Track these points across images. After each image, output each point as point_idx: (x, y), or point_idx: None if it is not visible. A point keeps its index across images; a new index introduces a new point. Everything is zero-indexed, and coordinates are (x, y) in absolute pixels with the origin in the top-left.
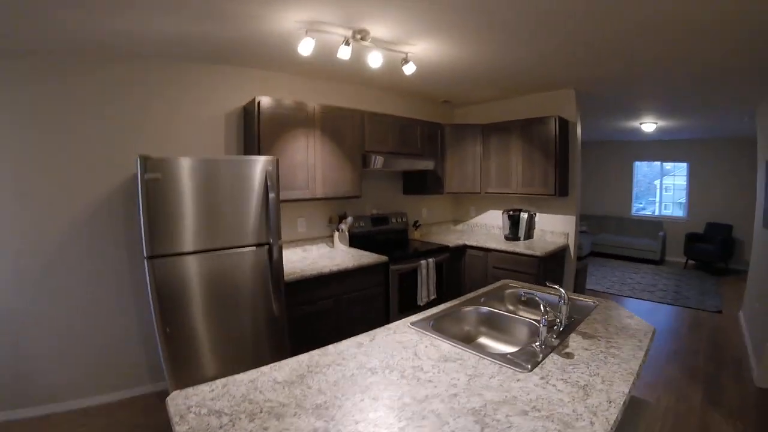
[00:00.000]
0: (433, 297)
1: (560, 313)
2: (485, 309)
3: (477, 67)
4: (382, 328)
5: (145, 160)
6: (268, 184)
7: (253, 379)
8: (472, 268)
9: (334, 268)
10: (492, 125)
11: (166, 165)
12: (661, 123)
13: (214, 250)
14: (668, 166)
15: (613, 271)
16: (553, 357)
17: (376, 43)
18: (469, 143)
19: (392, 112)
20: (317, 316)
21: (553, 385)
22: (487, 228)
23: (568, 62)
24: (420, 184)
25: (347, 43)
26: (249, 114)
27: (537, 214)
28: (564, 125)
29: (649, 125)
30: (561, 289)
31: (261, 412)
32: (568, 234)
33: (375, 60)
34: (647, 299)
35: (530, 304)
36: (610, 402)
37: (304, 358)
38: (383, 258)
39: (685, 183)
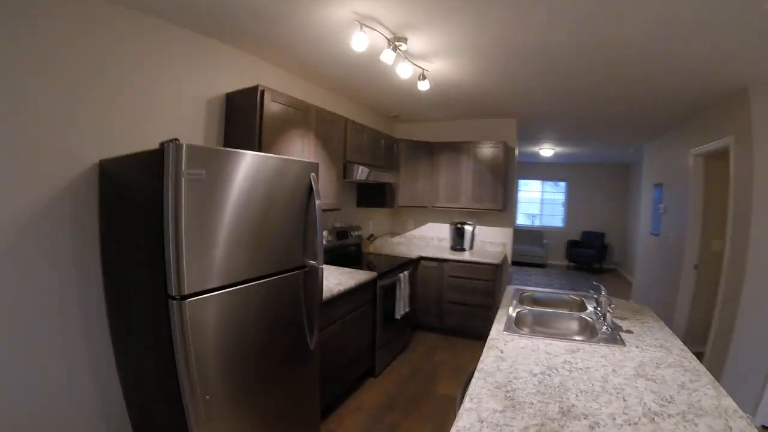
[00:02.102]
0: (407, 309)
1: (600, 306)
2: (537, 310)
3: (451, 88)
4: (489, 341)
5: (182, 150)
6: (314, 191)
7: None
8: (427, 278)
9: (341, 288)
10: (444, 144)
11: (212, 158)
12: (558, 149)
13: (262, 278)
14: (549, 184)
15: (513, 274)
16: (623, 335)
17: (405, 54)
18: (421, 159)
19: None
20: (328, 344)
21: (646, 350)
22: (426, 240)
23: (515, 94)
24: (377, 196)
25: (394, 49)
26: (234, 103)
27: (476, 226)
28: (507, 149)
29: (547, 151)
30: (603, 288)
31: None
32: (505, 243)
33: (404, 71)
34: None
35: (540, 303)
36: (682, 350)
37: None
38: (374, 274)
39: (563, 198)
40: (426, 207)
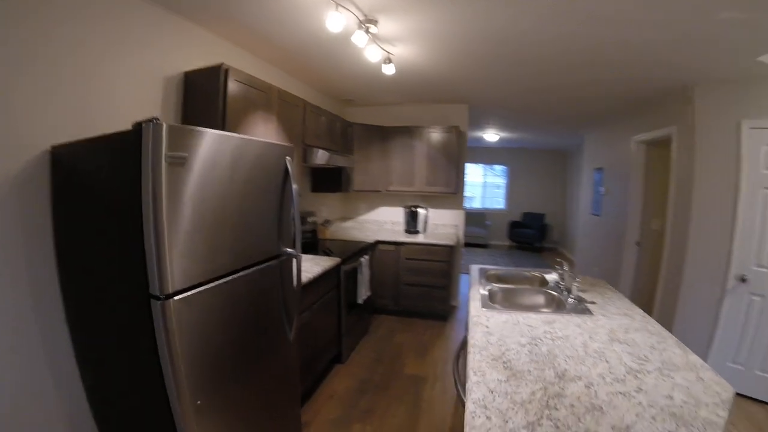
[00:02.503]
0: (369, 293)
1: (564, 280)
2: (507, 287)
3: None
4: (472, 318)
5: (163, 130)
6: (290, 175)
7: None
8: (384, 262)
9: (309, 276)
10: (397, 128)
11: (193, 139)
12: (503, 135)
13: (244, 270)
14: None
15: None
16: (588, 306)
17: (374, 37)
18: (375, 143)
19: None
20: (299, 334)
21: (612, 318)
22: (379, 224)
23: (470, 81)
24: (332, 181)
25: (366, 31)
26: (194, 83)
27: (429, 209)
28: (459, 134)
29: (492, 136)
30: (566, 265)
31: None
32: (457, 225)
33: (373, 54)
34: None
35: (503, 280)
36: (643, 316)
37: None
38: (337, 260)
39: (504, 182)
40: (380, 191)
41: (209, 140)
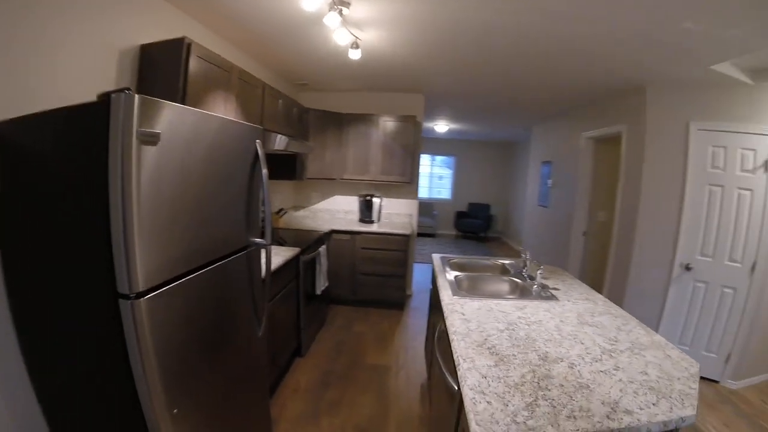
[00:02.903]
0: (326, 284)
1: (527, 268)
2: (472, 275)
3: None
4: (446, 306)
5: (135, 102)
6: (260, 159)
7: None
8: (339, 252)
9: (272, 267)
10: (354, 115)
11: (167, 115)
12: (452, 126)
13: (215, 262)
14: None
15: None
16: (553, 292)
17: (344, 19)
18: (330, 130)
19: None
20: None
21: (577, 303)
22: (332, 213)
23: (428, 69)
24: (287, 169)
25: (339, 12)
26: (151, 57)
27: (383, 198)
28: (416, 123)
29: (442, 127)
30: (527, 253)
31: None
32: (411, 215)
33: (342, 37)
34: None
35: (465, 268)
36: (604, 301)
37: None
38: (297, 250)
39: (450, 172)
40: (334, 179)
41: (184, 118)
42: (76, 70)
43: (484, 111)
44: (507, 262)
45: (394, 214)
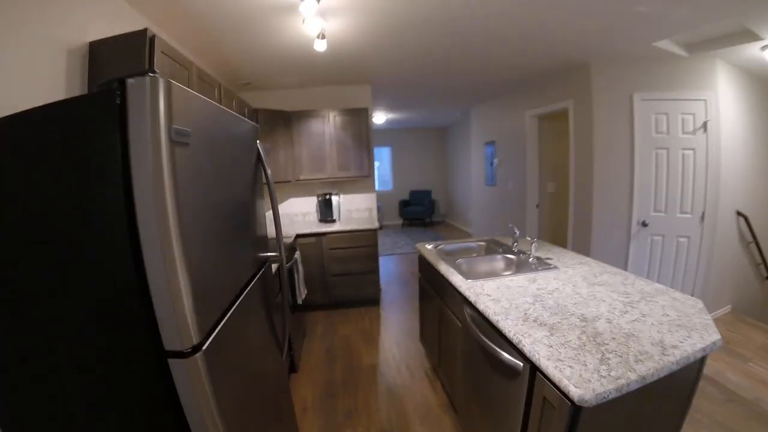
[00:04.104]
0: (306, 291)
1: (518, 244)
2: (472, 257)
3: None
4: (466, 291)
5: (166, 89)
6: (263, 161)
7: None
8: (306, 256)
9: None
10: (303, 112)
11: (194, 107)
12: (390, 115)
13: (244, 289)
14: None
15: None
16: (548, 262)
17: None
18: (280, 129)
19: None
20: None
21: (575, 268)
22: (289, 217)
23: (375, 56)
24: None
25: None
26: (103, 55)
27: (341, 195)
28: (368, 115)
29: (380, 117)
30: (516, 230)
31: None
32: (371, 209)
33: (312, 26)
34: (410, 251)
35: (451, 254)
36: (597, 262)
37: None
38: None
39: (389, 162)
40: (290, 181)
41: (207, 110)
42: (14, 74)
43: (425, 97)
44: (480, 242)
45: (354, 210)
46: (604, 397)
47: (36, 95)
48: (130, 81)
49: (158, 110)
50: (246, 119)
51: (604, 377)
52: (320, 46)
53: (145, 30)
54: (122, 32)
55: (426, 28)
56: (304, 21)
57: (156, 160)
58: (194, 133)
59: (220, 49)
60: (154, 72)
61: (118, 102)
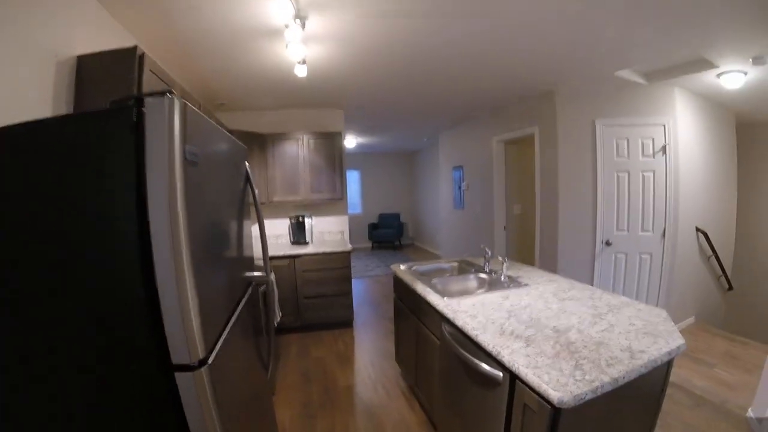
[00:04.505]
0: (281, 314)
1: (489, 263)
2: (444, 278)
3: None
4: (444, 309)
5: (181, 110)
6: (251, 182)
7: None
8: (280, 278)
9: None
10: (278, 134)
11: (203, 129)
12: (361, 139)
13: (237, 305)
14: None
15: None
16: (520, 280)
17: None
18: (255, 151)
19: None
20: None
21: (545, 285)
22: (257, 240)
23: (351, 83)
24: None
25: (303, 26)
26: (90, 70)
27: (314, 217)
28: (340, 139)
29: (351, 141)
30: (488, 251)
31: None
32: (343, 231)
33: (296, 52)
34: (380, 273)
35: (425, 275)
36: (564, 279)
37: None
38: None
39: (358, 186)
40: (263, 203)
41: (212, 132)
42: (15, 77)
43: (395, 123)
44: (454, 263)
45: (326, 232)
46: (581, 399)
47: (24, 106)
48: (148, 99)
49: (174, 129)
50: (237, 141)
51: (580, 381)
52: (301, 71)
53: (135, 47)
54: (109, 48)
55: (399, 59)
56: (287, 46)
57: (171, 178)
58: (201, 152)
59: (201, 69)
60: (171, 92)
61: (135, 120)
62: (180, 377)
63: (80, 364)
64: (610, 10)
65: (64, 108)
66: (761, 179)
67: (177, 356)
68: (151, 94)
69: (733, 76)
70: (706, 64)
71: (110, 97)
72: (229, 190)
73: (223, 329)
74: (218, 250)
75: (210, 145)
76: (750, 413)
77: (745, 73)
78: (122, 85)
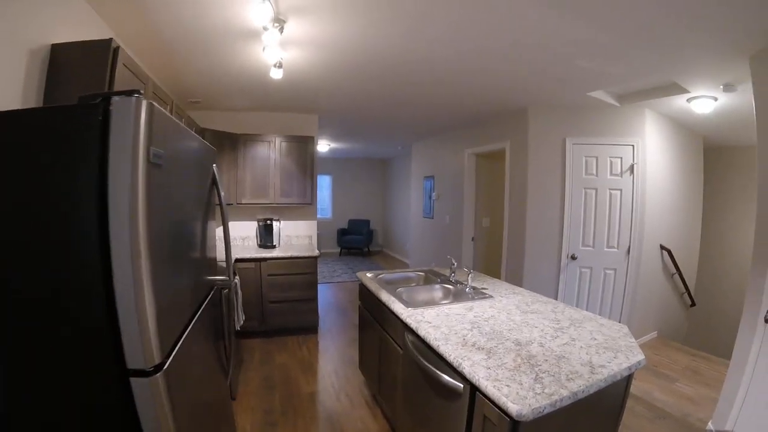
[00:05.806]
0: (244, 317)
1: (455, 274)
2: (411, 287)
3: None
4: (408, 319)
5: (148, 111)
6: (217, 185)
7: None
8: (245, 281)
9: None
10: (250, 136)
11: (169, 130)
12: (334, 145)
13: (197, 310)
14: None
15: None
16: (484, 291)
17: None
18: (226, 151)
19: None
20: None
21: (509, 297)
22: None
23: (316, 89)
24: None
25: (281, 30)
26: (65, 60)
27: (282, 221)
28: (313, 144)
29: (324, 146)
30: (454, 261)
31: None
32: (311, 236)
33: (272, 55)
34: (347, 279)
35: (391, 283)
36: (529, 292)
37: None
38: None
39: (328, 191)
40: (231, 204)
41: (178, 133)
42: None
43: (369, 131)
44: (419, 272)
45: (294, 236)
46: (540, 412)
47: None
48: (116, 99)
49: (140, 131)
50: (206, 143)
51: (539, 394)
52: (276, 74)
53: (110, 40)
54: (85, 39)
55: (375, 68)
56: (264, 49)
57: (133, 179)
58: (166, 154)
59: (176, 66)
60: (139, 93)
61: (101, 118)
62: (135, 383)
63: (32, 369)
64: (582, 48)
65: (35, 97)
66: (726, 200)
67: (132, 361)
68: (119, 93)
69: (703, 102)
70: (678, 89)
71: (82, 90)
72: (195, 191)
73: (182, 333)
74: (180, 252)
75: (177, 146)
76: (710, 426)
77: (716, 99)
78: (95, 78)
